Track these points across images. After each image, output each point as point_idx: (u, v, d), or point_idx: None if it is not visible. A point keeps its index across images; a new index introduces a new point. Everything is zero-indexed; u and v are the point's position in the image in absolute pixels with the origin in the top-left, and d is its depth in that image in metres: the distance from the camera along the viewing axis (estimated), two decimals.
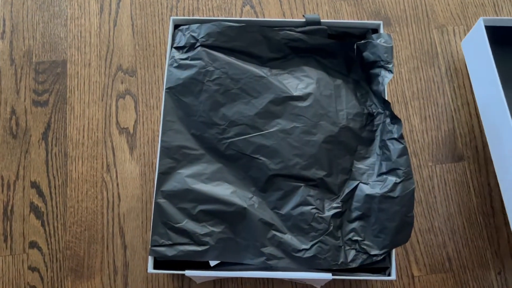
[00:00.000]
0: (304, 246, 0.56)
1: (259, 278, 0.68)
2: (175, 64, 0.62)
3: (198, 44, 0.63)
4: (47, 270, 0.69)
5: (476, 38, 0.69)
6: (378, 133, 0.62)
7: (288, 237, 0.57)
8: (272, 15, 0.82)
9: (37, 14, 0.81)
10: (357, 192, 0.59)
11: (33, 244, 0.70)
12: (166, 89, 0.61)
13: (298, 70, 0.64)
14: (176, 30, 0.65)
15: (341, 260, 0.56)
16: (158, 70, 0.79)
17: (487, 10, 0.81)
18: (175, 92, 0.61)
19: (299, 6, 0.83)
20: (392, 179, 0.56)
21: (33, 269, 0.69)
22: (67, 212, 0.72)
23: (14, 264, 0.69)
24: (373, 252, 0.55)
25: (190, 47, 0.63)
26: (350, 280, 0.68)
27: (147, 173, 0.73)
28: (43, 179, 0.73)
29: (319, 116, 0.61)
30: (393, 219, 0.55)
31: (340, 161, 0.60)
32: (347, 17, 0.81)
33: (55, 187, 0.73)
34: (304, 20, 0.64)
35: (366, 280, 0.68)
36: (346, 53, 0.65)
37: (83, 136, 0.75)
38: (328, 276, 0.55)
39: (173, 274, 0.68)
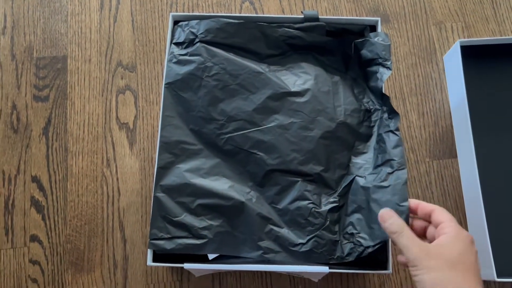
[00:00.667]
0: (300, 241, 0.57)
1: (257, 272, 0.69)
2: (174, 60, 0.63)
3: (197, 40, 0.63)
4: (47, 263, 0.70)
5: (453, 57, 0.75)
6: (375, 128, 0.62)
7: (285, 232, 0.58)
8: (271, 11, 0.82)
9: (37, 10, 0.82)
10: (353, 185, 0.59)
11: (34, 238, 0.71)
12: (165, 84, 0.62)
13: (296, 67, 0.65)
14: (176, 26, 0.65)
15: (338, 254, 0.57)
16: (158, 65, 0.79)
17: (485, 7, 0.82)
18: (174, 87, 0.62)
19: (298, 2, 0.83)
20: (385, 169, 0.56)
21: (34, 262, 0.70)
22: (67, 206, 0.72)
23: (15, 257, 0.70)
24: (366, 244, 0.55)
25: (189, 43, 0.64)
26: (347, 274, 0.68)
27: (147, 168, 0.74)
28: (44, 174, 0.74)
29: (317, 112, 0.61)
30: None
31: (338, 156, 0.61)
32: (346, 14, 0.81)
33: (55, 182, 0.73)
34: (302, 16, 0.65)
35: (363, 274, 0.68)
36: (344, 51, 0.66)
37: (83, 131, 0.76)
38: (325, 269, 0.55)
39: (172, 268, 0.69)
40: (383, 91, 0.61)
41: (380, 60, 0.61)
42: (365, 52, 0.63)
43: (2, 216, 0.72)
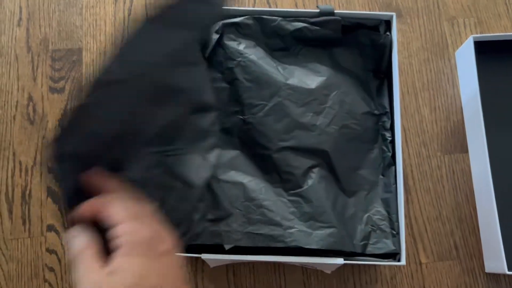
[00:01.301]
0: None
1: (270, 263, 0.70)
2: None
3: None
4: (64, 253, 0.71)
5: (466, 52, 0.75)
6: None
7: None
8: (284, 5, 0.83)
9: (53, 3, 0.82)
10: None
11: (50, 228, 0.72)
12: None
13: (309, 64, 0.65)
14: None
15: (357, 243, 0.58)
16: None
17: (497, 4, 0.82)
18: None
19: None
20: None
21: (51, 251, 0.71)
22: None
23: (32, 246, 0.71)
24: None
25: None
26: (359, 265, 0.69)
27: None
28: None
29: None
30: None
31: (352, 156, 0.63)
32: (359, 8, 0.82)
33: None
34: (317, 10, 0.65)
35: (375, 266, 0.69)
36: (358, 48, 0.66)
37: None
38: (339, 260, 0.56)
39: (186, 258, 0.70)
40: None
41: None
42: (372, 52, 0.66)
43: (19, 206, 0.73)
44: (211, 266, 0.69)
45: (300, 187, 0.60)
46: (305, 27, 0.64)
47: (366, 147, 0.64)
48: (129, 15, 0.82)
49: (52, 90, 0.78)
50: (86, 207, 0.32)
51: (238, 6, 0.82)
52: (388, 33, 0.66)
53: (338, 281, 0.69)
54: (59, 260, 0.71)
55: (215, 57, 0.64)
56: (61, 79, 0.79)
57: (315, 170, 0.60)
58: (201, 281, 0.70)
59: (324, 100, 0.62)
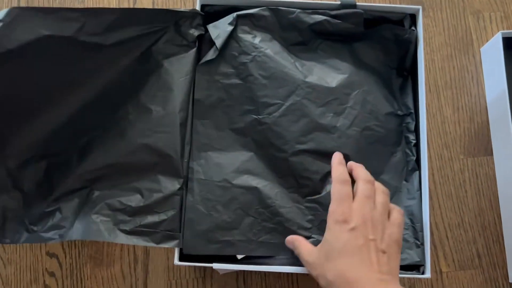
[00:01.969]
0: None
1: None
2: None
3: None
4: (65, 257, 0.67)
5: (493, 49, 0.71)
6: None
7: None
8: None
9: None
10: None
11: None
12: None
13: (328, 60, 0.61)
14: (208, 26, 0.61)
15: None
16: None
17: None
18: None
19: None
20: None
21: (51, 255, 0.67)
22: None
23: (31, 250, 0.68)
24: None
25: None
26: None
27: None
28: None
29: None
30: None
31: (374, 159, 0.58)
32: (381, 1, 0.77)
33: None
34: (338, 3, 0.61)
35: None
36: (380, 43, 0.62)
37: None
38: None
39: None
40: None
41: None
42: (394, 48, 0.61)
43: None
44: (221, 273, 0.66)
45: (318, 193, 0.56)
46: (325, 20, 0.60)
47: (388, 150, 0.60)
48: (134, 4, 0.77)
49: None
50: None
51: None
52: (413, 27, 0.61)
53: None
54: (60, 265, 0.67)
55: (228, 51, 0.59)
56: None
57: None
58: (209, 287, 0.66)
59: (345, 100, 0.58)
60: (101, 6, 0.77)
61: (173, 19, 0.59)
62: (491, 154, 0.71)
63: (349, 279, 0.42)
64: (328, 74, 0.59)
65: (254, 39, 0.59)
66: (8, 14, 0.48)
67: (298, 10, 0.60)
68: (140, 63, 0.59)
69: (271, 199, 0.55)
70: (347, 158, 0.56)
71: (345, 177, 0.50)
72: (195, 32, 0.60)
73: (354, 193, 0.49)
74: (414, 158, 0.59)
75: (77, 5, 0.77)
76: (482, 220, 0.68)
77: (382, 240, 0.45)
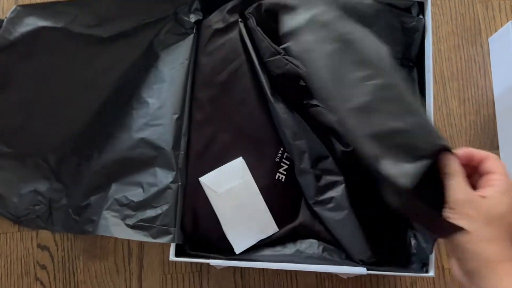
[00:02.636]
0: None
1: None
2: None
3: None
4: (57, 249, 0.65)
5: (502, 39, 0.68)
6: None
7: None
8: None
9: None
10: None
11: None
12: None
13: None
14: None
15: None
16: None
17: None
18: None
19: None
20: None
21: (42, 247, 0.65)
22: None
23: (22, 242, 0.65)
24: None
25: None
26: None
27: None
28: None
29: None
30: None
31: None
32: None
33: None
34: None
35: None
36: (386, 31, 0.59)
37: None
38: (362, 270, 0.51)
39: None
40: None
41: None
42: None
43: None
44: (218, 268, 0.64)
45: None
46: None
47: None
48: None
49: None
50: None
51: None
52: (421, 16, 0.59)
53: (354, 286, 0.64)
54: (52, 257, 0.65)
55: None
56: None
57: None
58: (206, 282, 0.64)
59: None
60: None
61: (172, 7, 0.57)
62: (497, 148, 0.69)
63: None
64: None
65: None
66: (12, 11, 0.55)
67: None
68: (145, 57, 0.59)
69: None
70: None
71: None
72: (192, 18, 0.58)
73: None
74: None
75: None
76: None
77: None
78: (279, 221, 0.56)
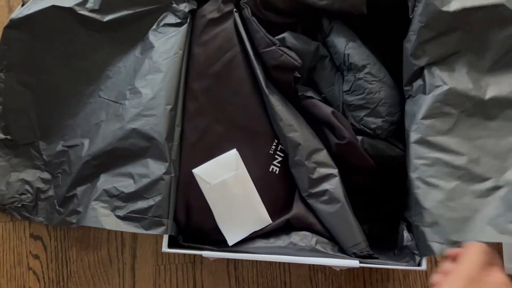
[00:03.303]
0: None
1: None
2: None
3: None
4: (50, 239, 0.65)
5: None
6: None
7: None
8: None
9: None
10: None
11: None
12: None
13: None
14: None
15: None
16: None
17: None
18: None
19: None
20: None
21: (35, 237, 0.65)
22: None
23: (15, 231, 0.65)
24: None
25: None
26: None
27: None
28: None
29: None
30: None
31: None
32: None
33: None
34: None
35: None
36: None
37: None
38: (355, 263, 0.51)
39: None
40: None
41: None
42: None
43: None
44: (211, 259, 0.64)
45: None
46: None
47: None
48: None
49: None
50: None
51: None
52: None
53: (347, 278, 0.65)
54: (45, 247, 0.65)
55: None
56: None
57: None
58: (199, 273, 0.65)
59: None
60: None
61: None
62: None
63: None
64: None
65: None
66: None
67: None
68: (139, 47, 0.59)
69: None
70: None
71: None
72: (186, 7, 0.57)
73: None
74: None
75: None
76: None
77: None
78: (272, 213, 0.56)
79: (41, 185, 0.62)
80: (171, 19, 0.58)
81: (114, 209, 0.54)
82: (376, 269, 0.64)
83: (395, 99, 0.56)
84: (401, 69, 0.55)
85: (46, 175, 0.62)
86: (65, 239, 0.65)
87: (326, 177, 0.54)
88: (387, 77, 0.57)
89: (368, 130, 0.56)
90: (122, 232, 0.65)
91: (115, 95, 0.59)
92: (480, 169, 0.49)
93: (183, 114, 0.56)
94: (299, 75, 0.57)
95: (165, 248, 0.52)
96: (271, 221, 0.56)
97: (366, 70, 0.56)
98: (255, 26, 0.55)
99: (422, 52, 0.51)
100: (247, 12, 0.56)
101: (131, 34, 0.60)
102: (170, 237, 0.53)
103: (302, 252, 0.54)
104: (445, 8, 0.49)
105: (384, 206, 0.61)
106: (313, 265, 0.65)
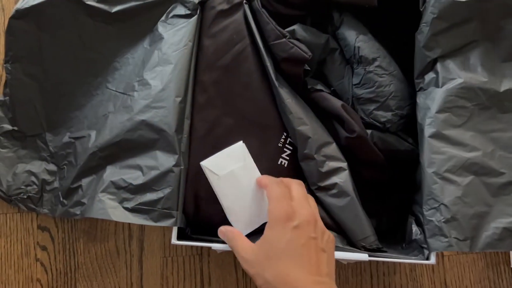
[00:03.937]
0: None
1: None
2: None
3: None
4: (58, 231, 0.65)
5: None
6: None
7: None
8: None
9: None
10: None
11: None
12: None
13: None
14: None
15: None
16: None
17: None
18: None
19: None
20: None
21: (43, 228, 0.65)
22: None
23: (22, 223, 0.65)
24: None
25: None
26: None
27: None
28: None
29: None
30: None
31: None
32: None
33: None
34: None
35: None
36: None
37: None
38: (364, 257, 0.51)
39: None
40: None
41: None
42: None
43: None
44: (219, 251, 0.64)
45: None
46: None
47: None
48: None
49: None
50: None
51: None
52: None
53: (354, 271, 0.65)
54: (52, 239, 0.65)
55: None
56: None
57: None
58: (206, 265, 0.65)
59: None
60: None
61: None
62: None
63: (288, 280, 0.41)
64: None
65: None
66: None
67: None
68: (148, 39, 0.59)
69: None
70: None
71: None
72: None
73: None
74: None
75: None
76: None
77: (322, 239, 0.44)
78: None
79: (46, 176, 0.62)
80: (180, 10, 0.57)
81: (122, 201, 0.54)
82: (383, 262, 0.65)
83: (405, 92, 0.56)
84: (410, 63, 0.55)
85: (52, 167, 0.62)
86: (73, 231, 0.65)
87: (335, 171, 0.54)
88: (397, 70, 0.56)
89: (377, 124, 0.56)
90: (129, 224, 0.65)
91: (123, 87, 0.59)
92: (495, 163, 0.49)
93: (192, 106, 0.56)
94: (308, 68, 0.56)
95: (174, 240, 0.52)
96: None
97: (376, 63, 0.55)
98: (265, 18, 0.55)
99: (435, 43, 0.51)
100: (257, 3, 0.55)
101: (139, 25, 0.60)
102: (178, 229, 0.53)
103: None
104: None
105: (392, 200, 0.61)
106: None
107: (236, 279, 0.65)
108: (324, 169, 0.54)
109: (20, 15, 0.60)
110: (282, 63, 0.55)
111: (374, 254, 0.52)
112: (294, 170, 0.57)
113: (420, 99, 0.53)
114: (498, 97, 0.50)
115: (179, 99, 0.54)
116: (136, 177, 0.54)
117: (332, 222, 0.55)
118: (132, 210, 0.53)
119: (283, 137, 0.57)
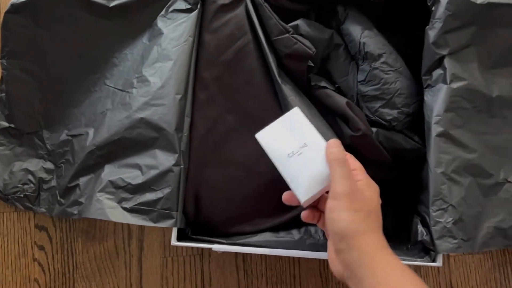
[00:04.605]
0: None
1: None
2: None
3: None
4: (55, 230, 0.64)
5: None
6: None
7: None
8: None
9: None
10: None
11: None
12: None
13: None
14: None
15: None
16: None
17: None
18: None
19: None
20: None
21: (40, 227, 0.64)
22: None
23: (19, 222, 0.64)
24: None
25: None
26: None
27: None
28: None
29: None
30: None
31: None
32: None
33: None
34: None
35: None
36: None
37: None
38: None
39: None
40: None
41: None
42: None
43: None
44: (220, 251, 0.63)
45: None
46: None
47: None
48: None
49: None
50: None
51: None
52: None
53: None
54: (50, 238, 0.64)
55: None
56: None
57: None
58: (207, 266, 0.63)
59: None
60: None
61: None
62: None
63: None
64: None
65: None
66: None
67: None
68: (148, 34, 0.58)
69: None
70: None
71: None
72: None
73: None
74: None
75: None
76: None
77: None
78: (283, 207, 0.54)
79: (44, 175, 0.61)
80: (180, 4, 0.56)
81: (120, 201, 0.52)
82: None
83: (412, 89, 0.55)
84: (417, 60, 0.54)
85: (49, 165, 0.61)
86: (71, 230, 0.64)
87: None
88: (403, 67, 0.55)
89: (383, 122, 0.54)
90: (129, 223, 0.64)
91: (121, 83, 0.58)
92: (486, 165, 0.50)
93: (192, 104, 0.54)
94: (312, 65, 0.55)
95: (174, 241, 0.51)
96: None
97: (382, 59, 0.54)
98: (267, 12, 0.53)
99: (444, 41, 0.49)
100: None
101: (138, 20, 0.58)
102: (178, 230, 0.52)
103: (313, 247, 0.53)
104: None
105: (397, 199, 0.59)
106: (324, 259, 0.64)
107: (237, 280, 0.63)
108: None
109: (16, 10, 0.58)
110: (285, 59, 0.54)
111: None
112: None
113: (428, 96, 0.52)
114: (490, 102, 0.51)
115: (179, 96, 0.52)
116: (135, 177, 0.52)
117: None
118: (131, 210, 0.52)
119: None
